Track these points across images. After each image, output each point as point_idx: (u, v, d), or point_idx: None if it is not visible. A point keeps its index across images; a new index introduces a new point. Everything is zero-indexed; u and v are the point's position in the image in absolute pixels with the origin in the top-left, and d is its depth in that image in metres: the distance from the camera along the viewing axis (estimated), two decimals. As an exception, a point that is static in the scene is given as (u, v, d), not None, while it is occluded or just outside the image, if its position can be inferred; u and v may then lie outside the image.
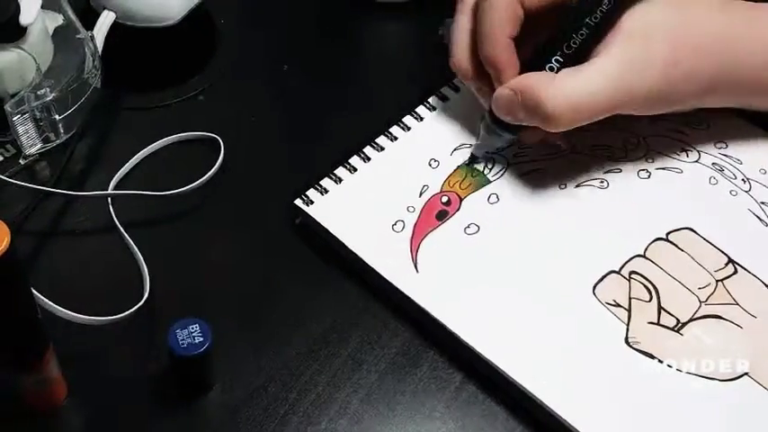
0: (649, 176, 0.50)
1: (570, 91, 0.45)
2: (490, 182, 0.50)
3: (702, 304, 0.45)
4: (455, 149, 0.51)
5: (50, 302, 0.43)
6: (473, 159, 0.50)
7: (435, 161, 0.50)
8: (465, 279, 0.46)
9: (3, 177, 0.47)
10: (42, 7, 0.50)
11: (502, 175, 0.50)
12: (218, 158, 0.51)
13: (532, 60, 0.47)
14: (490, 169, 0.50)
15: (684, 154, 0.51)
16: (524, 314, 0.44)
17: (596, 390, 0.42)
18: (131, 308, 0.44)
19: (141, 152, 0.51)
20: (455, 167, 0.50)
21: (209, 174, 0.50)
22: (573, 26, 0.46)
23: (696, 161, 0.51)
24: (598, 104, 0.45)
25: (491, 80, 0.48)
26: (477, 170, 0.50)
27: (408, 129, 0.52)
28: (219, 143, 0.51)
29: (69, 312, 0.43)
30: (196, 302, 0.46)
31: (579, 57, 0.46)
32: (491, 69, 0.47)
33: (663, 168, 0.50)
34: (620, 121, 0.52)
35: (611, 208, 0.49)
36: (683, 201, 0.49)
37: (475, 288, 0.45)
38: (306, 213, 0.48)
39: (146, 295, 0.45)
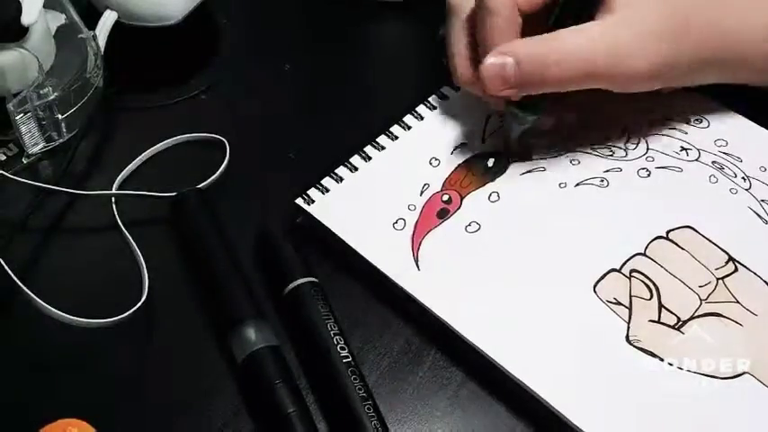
0: (649, 175, 0.50)
1: (571, 38, 0.46)
2: (491, 180, 0.50)
3: (703, 302, 0.45)
4: (456, 148, 0.51)
5: (49, 306, 0.43)
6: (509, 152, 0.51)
7: (436, 160, 0.51)
8: (466, 277, 0.46)
9: (5, 174, 0.48)
10: (44, 7, 0.50)
11: (503, 173, 0.50)
12: (221, 159, 0.51)
13: None
14: (491, 167, 0.50)
15: (684, 153, 0.51)
16: (525, 312, 0.45)
17: (597, 387, 0.42)
18: (131, 308, 0.44)
19: (146, 152, 0.51)
20: (456, 166, 0.50)
21: (215, 176, 0.50)
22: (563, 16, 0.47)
23: (696, 160, 0.51)
24: (598, 52, 0.46)
25: None
26: (478, 168, 0.50)
27: (409, 128, 0.52)
28: (225, 144, 0.51)
29: (67, 316, 0.43)
30: (196, 303, 0.46)
31: None
32: None
33: (663, 167, 0.50)
34: (620, 119, 0.52)
35: (612, 206, 0.49)
36: (684, 199, 0.49)
37: (476, 286, 0.45)
38: (307, 212, 0.48)
39: (144, 296, 0.45)
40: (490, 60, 0.46)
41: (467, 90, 0.51)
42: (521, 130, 0.49)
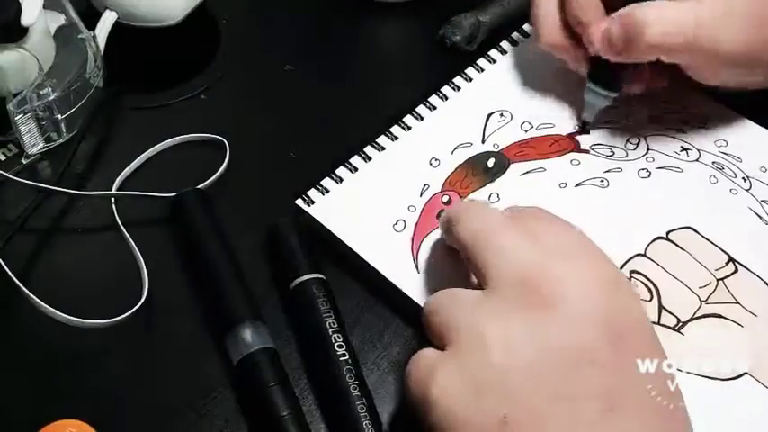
0: (649, 176, 0.50)
1: (666, 8, 0.46)
2: (491, 181, 0.50)
3: (703, 303, 0.45)
4: (456, 148, 0.51)
5: (49, 307, 0.43)
6: (584, 126, 0.52)
7: (436, 160, 0.50)
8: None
9: (5, 174, 0.48)
10: (44, 7, 0.50)
11: (503, 173, 0.50)
12: (221, 159, 0.51)
13: None
14: (491, 167, 0.50)
15: (685, 153, 0.51)
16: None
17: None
18: (131, 308, 0.44)
19: (146, 152, 0.51)
20: (456, 166, 0.50)
21: (215, 176, 0.50)
22: None
23: (696, 160, 0.51)
24: (688, 23, 0.46)
25: (583, 46, 0.50)
26: (478, 168, 0.50)
27: (409, 128, 0.52)
28: (225, 144, 0.51)
29: (67, 316, 0.43)
30: (196, 304, 0.46)
31: None
32: (583, 31, 0.49)
33: (663, 168, 0.50)
34: (621, 119, 0.52)
35: (612, 207, 0.49)
36: (684, 200, 0.49)
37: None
38: (307, 213, 0.48)
39: (144, 296, 0.45)
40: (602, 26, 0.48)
41: (468, 90, 0.51)
42: (600, 109, 0.51)
